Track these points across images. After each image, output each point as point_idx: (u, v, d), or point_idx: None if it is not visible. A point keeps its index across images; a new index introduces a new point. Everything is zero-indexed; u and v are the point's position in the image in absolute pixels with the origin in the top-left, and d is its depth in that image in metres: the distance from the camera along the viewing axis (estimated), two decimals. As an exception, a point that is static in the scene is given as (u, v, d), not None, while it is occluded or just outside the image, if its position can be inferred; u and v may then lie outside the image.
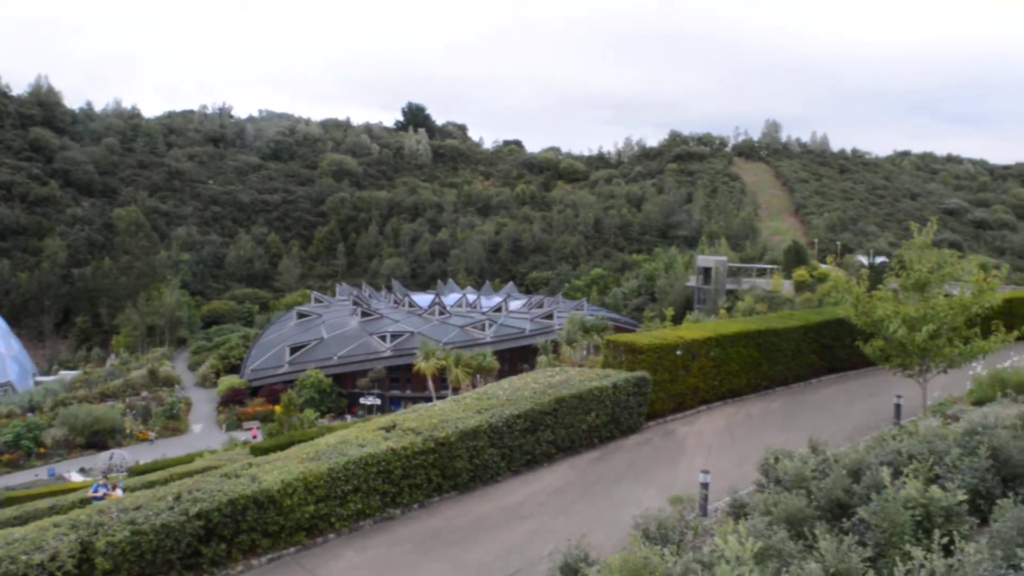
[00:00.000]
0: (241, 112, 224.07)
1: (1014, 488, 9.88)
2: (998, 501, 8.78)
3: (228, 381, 77.68)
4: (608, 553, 10.13)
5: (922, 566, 6.13)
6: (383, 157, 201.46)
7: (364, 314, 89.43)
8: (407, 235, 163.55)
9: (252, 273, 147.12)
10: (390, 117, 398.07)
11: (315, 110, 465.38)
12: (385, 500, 16.88)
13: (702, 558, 8.77)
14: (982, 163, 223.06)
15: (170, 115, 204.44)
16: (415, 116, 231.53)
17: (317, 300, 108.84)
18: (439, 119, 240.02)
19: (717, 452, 20.37)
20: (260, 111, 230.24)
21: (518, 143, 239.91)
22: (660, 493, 16.30)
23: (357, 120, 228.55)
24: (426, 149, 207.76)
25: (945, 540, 6.80)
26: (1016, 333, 20.79)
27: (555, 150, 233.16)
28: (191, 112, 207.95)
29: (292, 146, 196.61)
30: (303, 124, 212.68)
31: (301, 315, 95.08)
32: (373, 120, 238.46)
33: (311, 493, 15.49)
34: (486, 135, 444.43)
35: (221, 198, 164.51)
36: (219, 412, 71.65)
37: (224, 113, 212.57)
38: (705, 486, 15.18)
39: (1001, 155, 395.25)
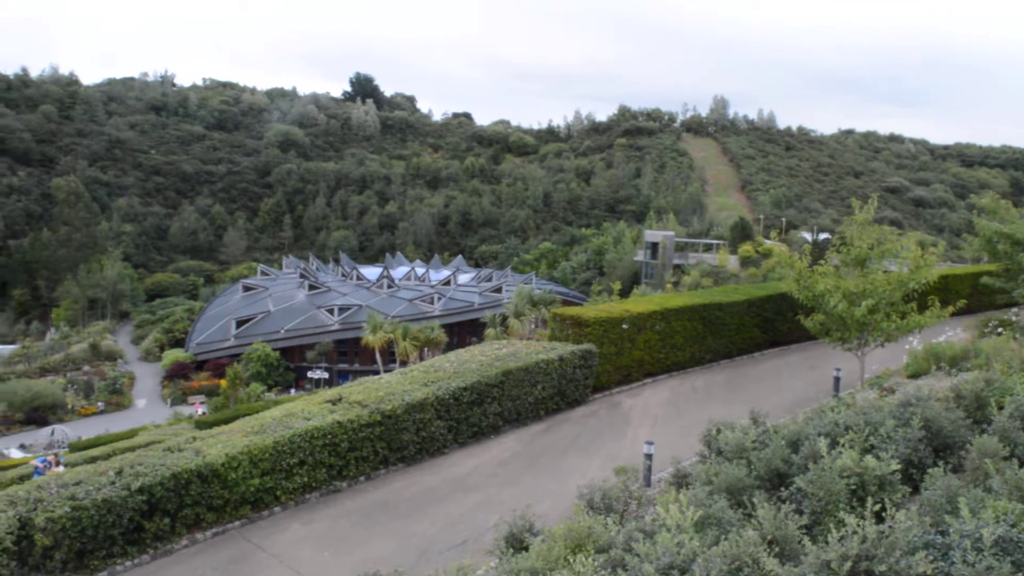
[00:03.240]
0: (184, 80, 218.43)
1: (944, 458, 10.20)
2: (929, 470, 9.06)
3: (173, 355, 76.46)
4: (554, 523, 10.25)
5: (855, 533, 6.31)
6: (330, 128, 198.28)
7: (311, 287, 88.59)
8: (355, 207, 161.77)
9: (196, 245, 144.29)
10: (337, 87, 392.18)
11: (261, 79, 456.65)
12: (331, 473, 16.87)
13: (644, 527, 8.93)
14: (923, 143, 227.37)
15: (110, 82, 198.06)
16: (363, 86, 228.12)
17: (263, 273, 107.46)
18: (387, 90, 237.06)
19: (662, 424, 20.68)
20: (204, 79, 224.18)
21: (467, 115, 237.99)
22: (605, 464, 16.51)
23: (304, 90, 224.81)
24: (374, 120, 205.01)
25: (877, 508, 7.00)
26: (951, 308, 21.39)
27: (505, 123, 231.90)
28: (132, 79, 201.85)
29: (237, 116, 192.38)
30: (248, 93, 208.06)
31: (247, 288, 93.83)
32: (320, 90, 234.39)
33: (256, 467, 15.41)
34: (435, 107, 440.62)
35: (164, 168, 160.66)
36: (164, 386, 70.58)
37: (166, 81, 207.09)
38: (649, 457, 15.42)
39: (941, 135, 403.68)
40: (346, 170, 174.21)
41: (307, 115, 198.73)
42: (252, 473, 15.34)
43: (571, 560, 7.80)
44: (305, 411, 17.42)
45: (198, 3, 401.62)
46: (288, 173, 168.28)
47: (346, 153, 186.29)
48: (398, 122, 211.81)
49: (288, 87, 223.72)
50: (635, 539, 8.15)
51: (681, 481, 11.86)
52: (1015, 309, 28.33)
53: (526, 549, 9.39)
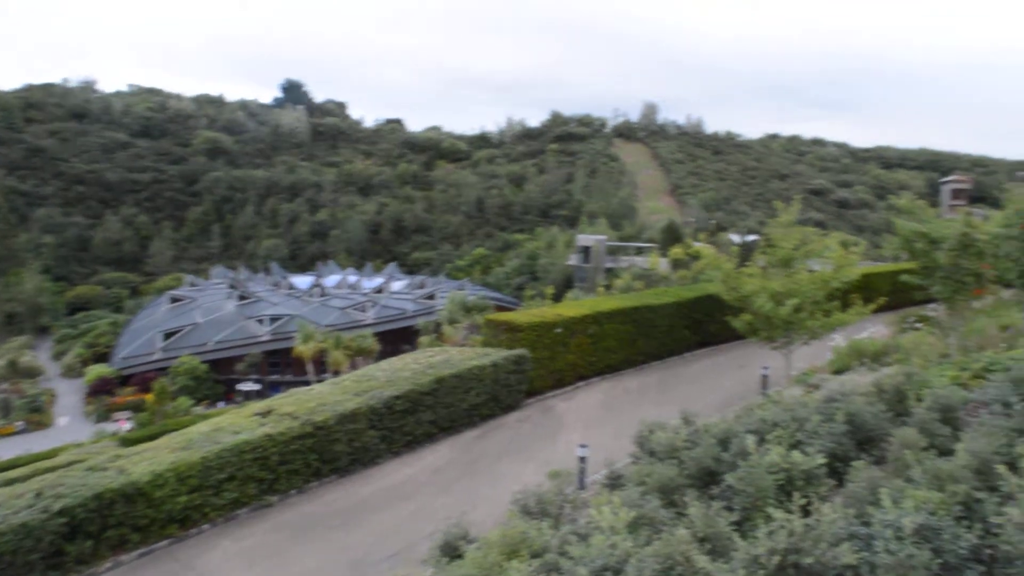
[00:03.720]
0: (107, 86, 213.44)
1: (867, 450, 10.47)
2: (853, 463, 9.29)
3: (96, 370, 74.16)
4: (489, 529, 10.20)
5: (782, 527, 6.41)
6: (260, 135, 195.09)
7: (241, 297, 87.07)
8: (285, 215, 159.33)
9: (121, 256, 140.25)
10: (267, 94, 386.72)
11: (187, 85, 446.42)
12: (262, 487, 16.58)
13: (578, 529, 8.95)
14: (844, 146, 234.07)
15: (29, 88, 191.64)
16: (293, 93, 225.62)
17: (191, 284, 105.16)
18: (318, 96, 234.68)
19: (595, 426, 20.80)
20: (128, 85, 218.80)
21: (399, 122, 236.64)
22: (540, 468, 16.52)
23: (232, 96, 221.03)
24: (305, 127, 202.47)
25: (804, 502, 7.13)
26: (873, 306, 22.05)
27: (436, 129, 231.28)
28: (52, 85, 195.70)
29: (163, 123, 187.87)
30: (174, 100, 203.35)
31: (174, 299, 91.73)
32: (249, 96, 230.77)
33: (183, 483, 15.05)
34: (367, 113, 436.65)
35: (86, 177, 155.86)
36: (87, 403, 68.45)
37: (88, 87, 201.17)
38: (583, 460, 15.50)
39: (862, 139, 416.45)
40: (276, 178, 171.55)
41: (236, 122, 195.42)
42: (179, 490, 14.97)
43: (506, 566, 7.77)
44: (234, 425, 17.08)
45: (122, 4, 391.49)
46: (216, 181, 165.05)
47: (276, 160, 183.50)
48: (329, 128, 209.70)
49: (216, 93, 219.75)
50: (569, 542, 8.17)
51: (615, 483, 11.93)
52: (932, 305, 29.26)
53: (461, 557, 9.33)
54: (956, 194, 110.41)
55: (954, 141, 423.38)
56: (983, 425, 9.55)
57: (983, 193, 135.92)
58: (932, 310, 28.92)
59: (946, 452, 9.23)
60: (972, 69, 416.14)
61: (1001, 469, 7.30)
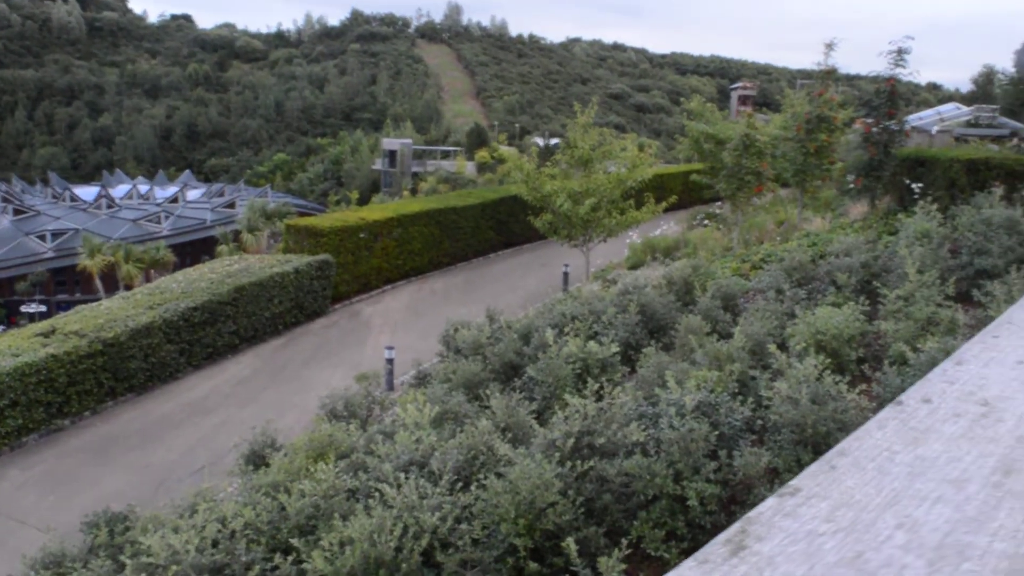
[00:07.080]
0: None
1: (658, 338, 11.12)
2: (644, 350, 9.85)
3: None
4: (298, 436, 10.13)
5: (577, 412, 6.71)
6: (27, 30, 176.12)
7: (17, 212, 79.86)
8: (63, 121, 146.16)
9: None
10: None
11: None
12: (50, 411, 15.67)
13: (385, 428, 9.04)
14: (643, 52, 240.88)
15: None
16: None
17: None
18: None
19: (403, 328, 20.94)
20: None
21: (187, 18, 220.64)
22: (349, 373, 16.49)
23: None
24: (79, 21, 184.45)
25: (597, 388, 7.48)
26: (664, 204, 23.15)
27: (230, 27, 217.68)
28: None
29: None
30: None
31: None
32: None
33: (-44, 411, 13.92)
34: (150, 7, 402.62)
35: None
36: None
37: None
38: (390, 361, 15.61)
39: (659, 45, 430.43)
40: (49, 78, 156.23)
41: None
42: (-48, 419, 13.86)
43: (313, 469, 7.74)
44: (13, 347, 15.89)
45: None
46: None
47: (47, 59, 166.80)
48: (108, 24, 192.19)
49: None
50: (376, 441, 8.23)
51: (422, 382, 12.11)
52: (719, 203, 31.14)
53: (269, 465, 9.20)
54: (743, 99, 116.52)
55: (742, 50, 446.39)
56: (758, 310, 10.36)
57: (767, 99, 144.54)
58: (718, 207, 30.79)
59: (726, 336, 9.95)
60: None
61: (772, 348, 7.94)
